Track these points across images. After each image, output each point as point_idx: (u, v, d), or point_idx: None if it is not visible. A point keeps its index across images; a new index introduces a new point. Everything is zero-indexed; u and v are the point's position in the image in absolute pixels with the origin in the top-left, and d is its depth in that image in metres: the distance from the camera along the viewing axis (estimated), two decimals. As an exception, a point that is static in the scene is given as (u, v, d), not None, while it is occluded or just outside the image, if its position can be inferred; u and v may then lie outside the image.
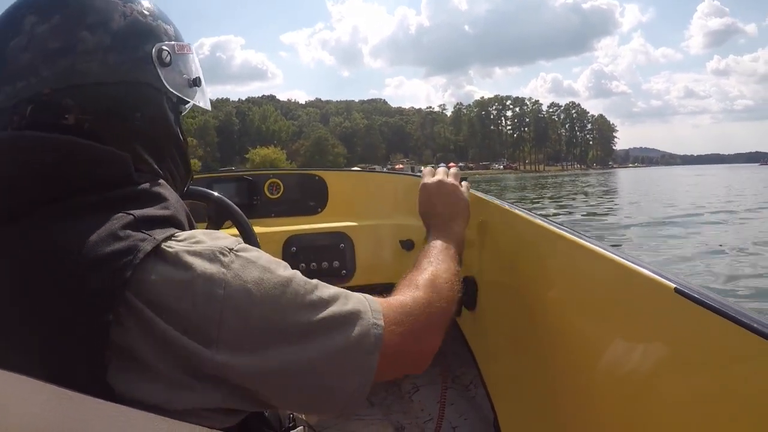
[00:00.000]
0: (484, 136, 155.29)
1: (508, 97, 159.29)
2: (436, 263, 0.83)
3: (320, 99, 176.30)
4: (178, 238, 0.57)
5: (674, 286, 0.68)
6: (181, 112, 0.74)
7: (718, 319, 0.61)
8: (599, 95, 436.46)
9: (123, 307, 0.51)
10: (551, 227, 1.03)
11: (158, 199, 0.62)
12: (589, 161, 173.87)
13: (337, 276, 1.82)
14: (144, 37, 0.66)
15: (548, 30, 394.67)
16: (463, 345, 1.50)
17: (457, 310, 1.39)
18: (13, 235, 0.54)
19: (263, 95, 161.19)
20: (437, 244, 0.90)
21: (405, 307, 0.69)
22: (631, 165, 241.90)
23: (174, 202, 0.64)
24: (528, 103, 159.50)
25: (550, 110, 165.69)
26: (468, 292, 1.38)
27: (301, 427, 0.86)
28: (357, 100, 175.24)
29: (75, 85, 0.60)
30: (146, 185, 0.62)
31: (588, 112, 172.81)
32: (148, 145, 0.67)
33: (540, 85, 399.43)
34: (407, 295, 0.72)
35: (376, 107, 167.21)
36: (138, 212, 0.57)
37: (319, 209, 2.12)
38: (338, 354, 0.59)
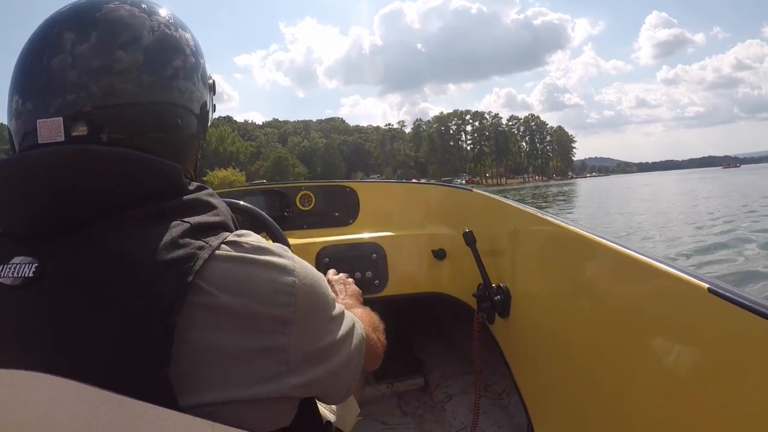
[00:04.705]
0: (444, 151, 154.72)
1: (467, 112, 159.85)
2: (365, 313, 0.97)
3: (277, 119, 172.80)
4: (242, 236, 0.62)
5: (707, 286, 0.68)
6: (207, 120, 0.76)
7: (753, 317, 0.59)
8: (553, 108, 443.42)
9: (193, 307, 0.54)
10: (584, 232, 1.03)
11: (209, 207, 0.65)
12: (550, 172, 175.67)
13: (371, 286, 1.79)
14: (171, 52, 0.67)
15: (501, 46, 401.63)
16: (496, 353, 1.48)
17: (489, 318, 1.48)
18: (82, 240, 0.57)
19: (219, 117, 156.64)
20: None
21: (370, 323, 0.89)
22: (588, 175, 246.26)
23: (223, 209, 0.67)
24: (488, 117, 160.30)
25: (510, 123, 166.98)
26: (501, 300, 1.38)
27: None
28: (315, 120, 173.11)
29: (115, 104, 0.62)
30: (197, 194, 0.66)
31: (547, 124, 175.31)
32: (179, 156, 0.69)
33: (494, 100, 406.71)
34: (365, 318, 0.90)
35: (335, 126, 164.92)
36: (193, 220, 0.60)
37: (351, 220, 2.14)
38: (355, 351, 0.72)
